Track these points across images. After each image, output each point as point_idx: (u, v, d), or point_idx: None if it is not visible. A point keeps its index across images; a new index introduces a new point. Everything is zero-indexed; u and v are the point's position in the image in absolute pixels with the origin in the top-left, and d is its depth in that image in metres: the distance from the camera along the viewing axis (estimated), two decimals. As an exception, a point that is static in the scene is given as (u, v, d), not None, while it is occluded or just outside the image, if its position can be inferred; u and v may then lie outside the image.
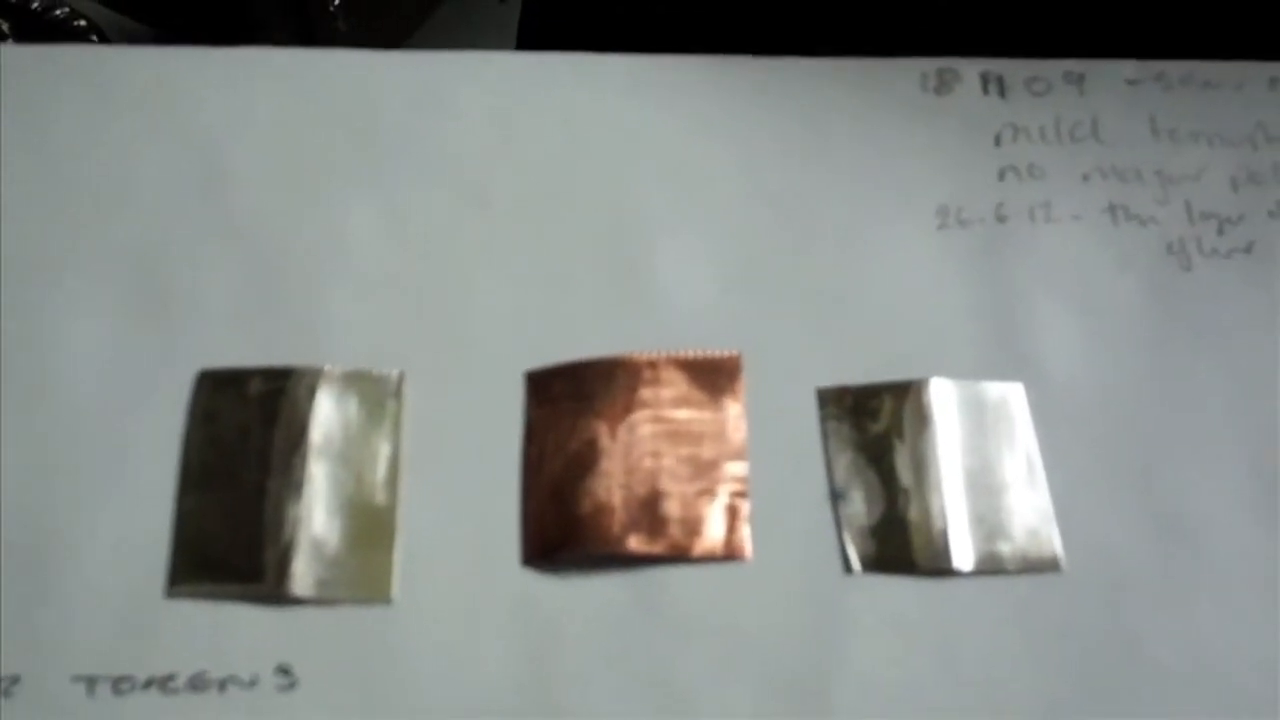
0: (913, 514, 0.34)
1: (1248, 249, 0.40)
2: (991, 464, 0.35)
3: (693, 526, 0.34)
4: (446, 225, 0.38)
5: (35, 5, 0.81)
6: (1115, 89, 0.42)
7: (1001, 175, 0.40)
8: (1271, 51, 0.43)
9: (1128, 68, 0.43)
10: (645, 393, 0.36)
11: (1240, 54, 0.43)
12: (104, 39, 0.81)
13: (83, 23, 0.81)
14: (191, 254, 0.38)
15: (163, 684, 0.31)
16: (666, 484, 0.34)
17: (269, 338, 0.36)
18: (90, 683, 0.31)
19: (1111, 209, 0.40)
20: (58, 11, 0.81)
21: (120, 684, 0.31)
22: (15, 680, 0.31)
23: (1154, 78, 0.43)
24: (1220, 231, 0.40)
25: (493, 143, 0.40)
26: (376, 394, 0.35)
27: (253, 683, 0.32)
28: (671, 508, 0.34)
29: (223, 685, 0.31)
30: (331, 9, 0.91)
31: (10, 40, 0.78)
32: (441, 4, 1.13)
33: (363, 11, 0.95)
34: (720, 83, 0.41)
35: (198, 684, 0.31)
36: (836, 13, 0.48)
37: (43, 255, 0.37)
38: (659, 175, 0.40)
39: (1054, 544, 0.34)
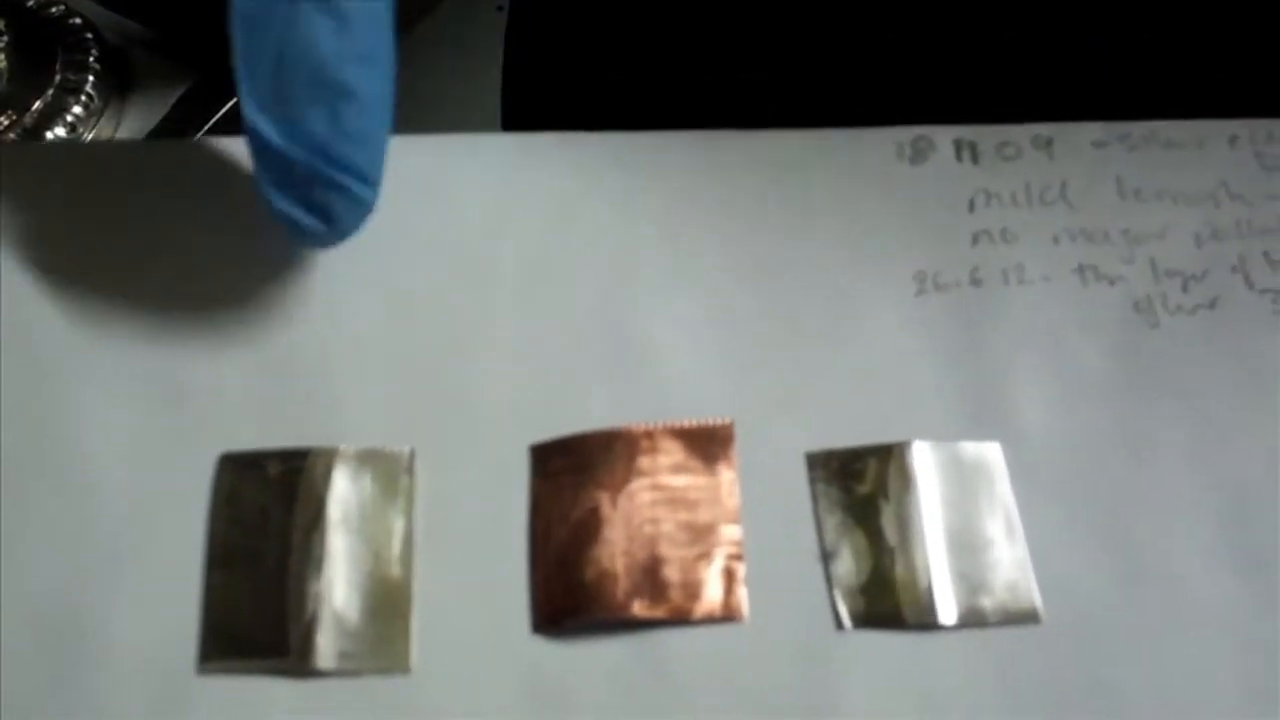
0: (899, 572, 0.36)
1: (1212, 305, 0.42)
2: (972, 522, 0.37)
3: (692, 590, 0.36)
4: (446, 305, 0.40)
5: (31, 3, 0.83)
6: (1082, 151, 0.44)
7: (975, 240, 0.42)
8: (1230, 109, 0.46)
9: (1094, 130, 0.45)
10: (643, 461, 0.38)
11: (1201, 112, 0.46)
12: (100, 38, 0.82)
13: (78, 21, 0.83)
14: (203, 339, 0.40)
15: (197, 757, 0.33)
16: (666, 549, 0.36)
17: (284, 421, 0.38)
18: (128, 759, 0.33)
19: (1081, 269, 0.42)
20: (53, 10, 0.83)
21: (157, 759, 0.33)
22: (56, 759, 0.33)
23: (1119, 139, 0.45)
24: (1185, 289, 0.42)
25: (487, 223, 0.42)
26: (390, 471, 0.37)
27: (282, 753, 0.34)
28: (671, 573, 0.36)
29: (254, 757, 0.33)
30: None
31: (6, 38, 0.79)
32: (435, 9, 1.15)
33: None
34: (704, 157, 0.43)
35: (230, 756, 0.33)
36: (814, 80, 0.50)
37: (65, 347, 0.39)
38: (648, 249, 0.42)
39: (1033, 597, 0.36)
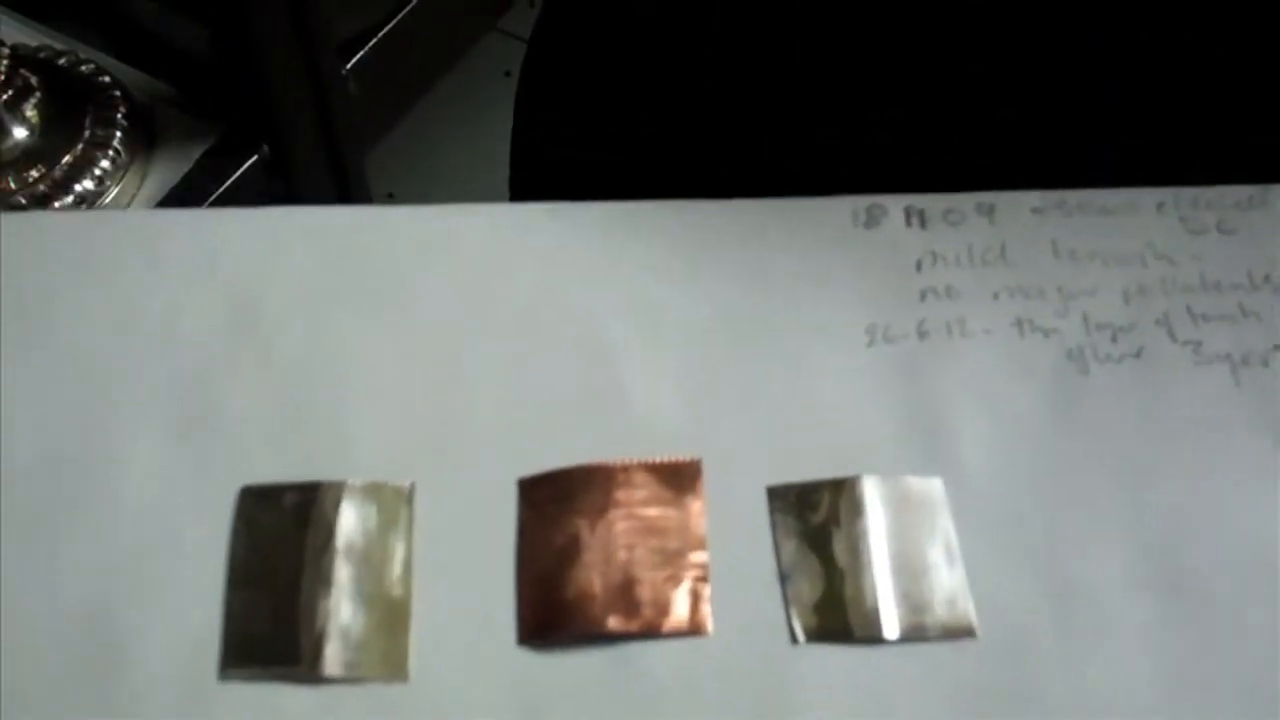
0: (849, 592, 0.41)
1: (1138, 354, 0.46)
2: (915, 548, 0.41)
3: (662, 607, 0.40)
4: (448, 355, 0.45)
5: (63, 61, 0.88)
6: (1021, 217, 0.49)
7: (923, 296, 0.47)
8: (1157, 178, 0.50)
9: (1032, 198, 0.49)
10: (619, 494, 0.42)
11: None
12: (128, 96, 0.86)
13: (107, 79, 0.87)
14: (231, 385, 0.44)
15: (218, 753, 0.37)
16: (639, 571, 0.41)
17: (299, 456, 0.43)
18: (157, 755, 0.37)
19: (1018, 323, 0.46)
20: (84, 68, 0.87)
21: (182, 755, 0.37)
22: (92, 755, 0.37)
23: (1055, 205, 0.49)
24: (1114, 339, 0.46)
25: (485, 284, 0.47)
26: (392, 502, 0.42)
27: (294, 750, 0.38)
28: (644, 592, 0.40)
29: (269, 753, 0.38)
30: (344, 73, 0.98)
31: (39, 94, 0.83)
32: (445, 74, 1.21)
33: (371, 77, 1.02)
34: (678, 222, 0.48)
35: (248, 753, 0.38)
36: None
37: (105, 388, 0.44)
38: (626, 305, 0.46)
39: (970, 615, 0.40)
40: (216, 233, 0.48)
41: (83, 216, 0.49)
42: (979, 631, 0.40)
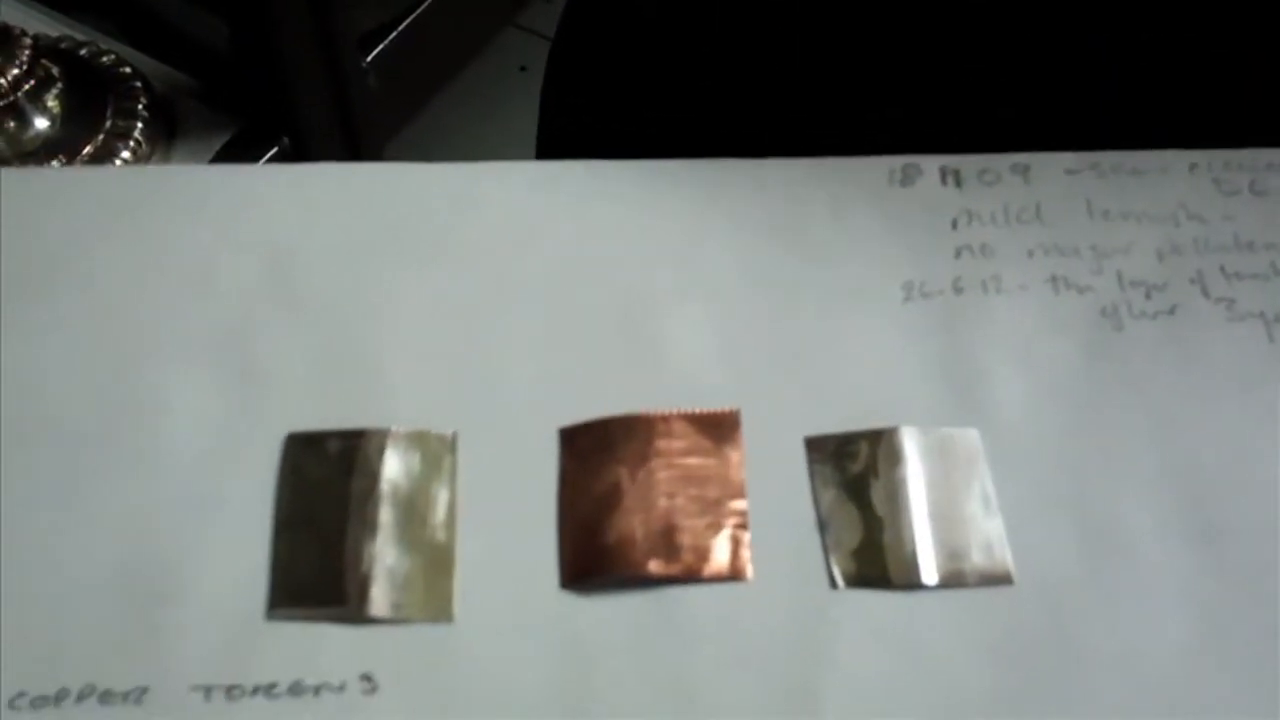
0: (887, 539, 0.41)
1: (1171, 311, 0.46)
2: (953, 497, 0.42)
3: (702, 553, 0.41)
4: (487, 307, 0.46)
5: (84, 52, 0.88)
6: (1056, 178, 0.49)
7: (958, 254, 0.47)
8: (1191, 140, 0.51)
9: (1067, 159, 0.50)
10: (660, 444, 0.43)
11: (1164, 142, 0.51)
12: (148, 87, 0.87)
13: (128, 70, 0.88)
14: (274, 337, 0.45)
15: (267, 690, 0.38)
16: (679, 519, 0.41)
17: (341, 405, 0.43)
18: (207, 691, 0.38)
19: (1053, 280, 0.47)
20: (105, 59, 0.88)
21: (232, 691, 0.38)
22: (144, 690, 0.38)
23: (1090, 167, 0.50)
24: (1148, 297, 0.47)
25: (522, 237, 0.47)
26: (435, 450, 0.42)
27: (341, 688, 0.38)
28: (684, 538, 0.41)
29: (317, 691, 0.38)
30: (363, 66, 0.99)
31: (61, 85, 0.84)
32: (464, 69, 1.21)
33: (391, 71, 1.02)
34: (716, 181, 0.49)
35: (296, 690, 0.38)
36: (819, 119, 0.56)
37: (151, 341, 0.44)
38: (665, 261, 0.47)
39: (1006, 561, 0.41)
40: (251, 188, 0.48)
41: (118, 172, 0.50)
42: (1016, 578, 0.41)
